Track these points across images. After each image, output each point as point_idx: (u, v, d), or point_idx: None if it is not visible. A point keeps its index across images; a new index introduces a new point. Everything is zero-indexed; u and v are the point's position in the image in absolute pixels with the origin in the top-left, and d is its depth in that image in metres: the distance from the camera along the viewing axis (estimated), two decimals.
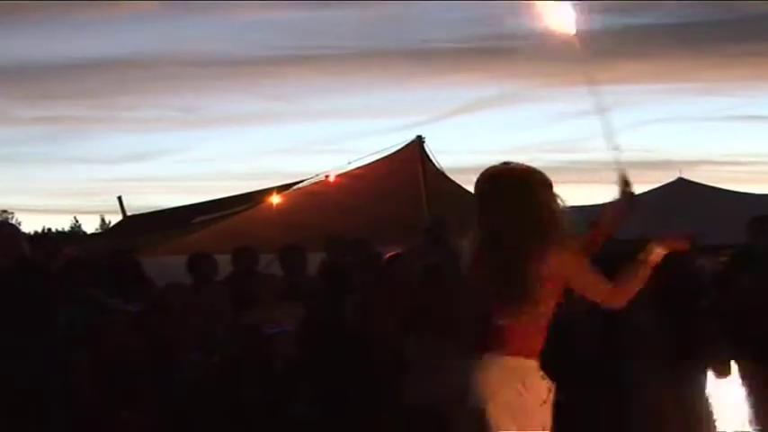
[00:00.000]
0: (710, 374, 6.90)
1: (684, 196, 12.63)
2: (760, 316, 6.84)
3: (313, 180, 11.17)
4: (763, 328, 6.77)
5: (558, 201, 3.91)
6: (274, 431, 6.16)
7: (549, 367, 3.90)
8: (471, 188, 4.03)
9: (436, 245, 8.57)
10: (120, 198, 12.09)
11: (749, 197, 12.75)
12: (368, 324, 6.87)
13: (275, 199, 10.89)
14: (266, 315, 6.80)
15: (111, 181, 72.99)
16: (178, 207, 12.85)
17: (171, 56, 60.93)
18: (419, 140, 11.17)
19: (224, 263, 8.07)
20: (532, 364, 3.83)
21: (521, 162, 3.97)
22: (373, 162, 11.05)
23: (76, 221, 68.51)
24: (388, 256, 7.79)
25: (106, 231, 23.65)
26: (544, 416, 3.83)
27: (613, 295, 3.97)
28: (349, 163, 11.09)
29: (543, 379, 3.85)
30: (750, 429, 6.69)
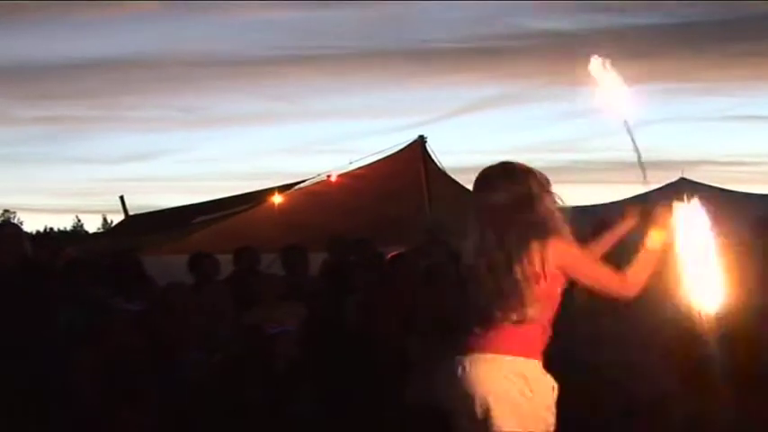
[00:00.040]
0: None
1: (686, 196, 12.60)
2: None
3: (315, 180, 11.18)
4: None
5: (556, 199, 3.90)
6: (276, 431, 6.16)
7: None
8: None
9: (438, 245, 8.57)
10: (122, 198, 12.11)
11: (752, 197, 12.74)
12: (370, 324, 6.87)
13: (277, 199, 10.90)
14: (268, 315, 6.80)
15: (113, 181, 73.17)
16: (180, 207, 12.85)
17: (172, 56, 61.06)
18: (421, 140, 11.18)
19: (225, 262, 8.08)
20: (535, 363, 3.82)
21: (519, 161, 3.96)
22: (375, 162, 11.06)
23: (78, 221, 68.61)
24: (390, 255, 7.78)
25: (108, 231, 23.66)
26: (548, 416, 3.82)
27: (625, 284, 3.92)
28: (351, 163, 11.11)
29: (546, 377, 3.84)
30: None
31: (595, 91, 4.14)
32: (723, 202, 12.47)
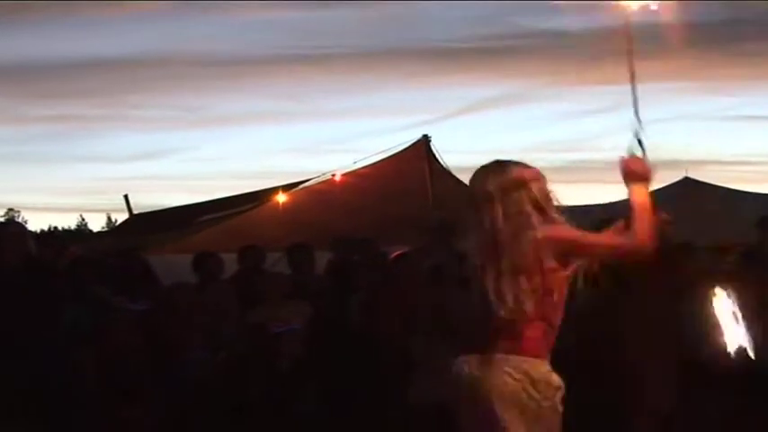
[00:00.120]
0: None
1: (691, 195, 12.60)
2: None
3: (319, 179, 11.17)
4: None
5: (551, 194, 3.89)
6: (280, 430, 6.16)
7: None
8: None
9: (442, 244, 8.57)
10: (126, 196, 12.08)
11: (757, 197, 12.72)
12: (374, 323, 6.87)
13: (281, 198, 10.89)
14: (272, 314, 6.81)
15: (118, 179, 73.30)
16: (184, 206, 12.85)
17: (178, 55, 61.19)
18: (425, 139, 11.16)
19: (230, 261, 8.08)
20: (540, 363, 3.81)
21: (518, 160, 3.96)
22: (379, 161, 11.04)
23: (83, 220, 68.68)
24: (394, 255, 7.78)
25: (112, 230, 23.66)
26: (553, 417, 3.81)
27: (634, 238, 3.82)
28: (355, 162, 11.09)
29: (552, 377, 3.83)
30: None
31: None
32: (727, 202, 12.53)
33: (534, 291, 3.73)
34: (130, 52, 71.81)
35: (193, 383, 6.21)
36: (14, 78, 75.59)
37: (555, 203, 3.87)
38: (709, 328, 5.61)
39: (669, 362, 6.62)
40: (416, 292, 7.11)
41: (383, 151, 11.08)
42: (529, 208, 3.77)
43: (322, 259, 8.56)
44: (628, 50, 4.03)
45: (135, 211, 12.20)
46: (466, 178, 4.11)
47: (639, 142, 4.01)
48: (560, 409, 3.81)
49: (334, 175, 11.03)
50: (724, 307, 4.76)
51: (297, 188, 11.16)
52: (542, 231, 3.74)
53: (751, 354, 4.94)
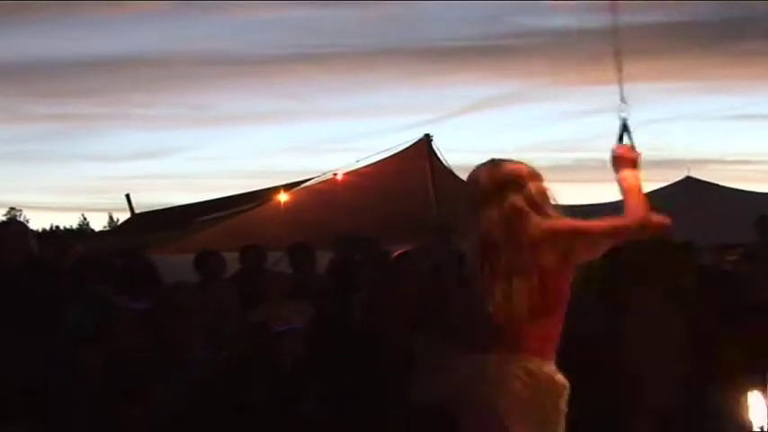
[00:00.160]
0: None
1: (693, 195, 12.60)
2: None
3: (321, 178, 11.17)
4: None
5: (548, 193, 3.89)
6: (282, 429, 6.16)
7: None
8: None
9: (444, 243, 8.57)
10: (128, 195, 12.08)
11: (758, 196, 12.72)
12: (376, 323, 6.87)
13: (283, 197, 10.89)
14: (274, 313, 6.81)
15: (120, 179, 73.42)
16: (186, 205, 12.85)
17: (181, 54, 61.25)
18: (427, 139, 11.15)
19: (231, 260, 8.08)
20: (545, 362, 3.79)
21: (513, 159, 3.95)
22: (381, 160, 11.03)
23: (84, 219, 68.78)
24: (396, 254, 7.78)
25: (114, 229, 23.67)
26: (558, 417, 3.80)
27: (627, 215, 3.79)
28: (357, 161, 11.08)
29: (557, 377, 3.81)
30: None
31: None
32: (729, 201, 12.53)
33: (532, 290, 3.72)
34: (131, 52, 71.92)
35: (195, 382, 6.21)
36: (15, 78, 75.68)
37: (552, 202, 3.87)
38: None
39: (669, 362, 6.63)
40: (418, 291, 7.10)
41: (385, 150, 11.08)
42: (525, 207, 3.77)
43: (323, 258, 8.56)
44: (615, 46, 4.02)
45: (137, 211, 12.20)
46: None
47: (626, 128, 4.03)
48: (565, 409, 3.80)
49: (335, 175, 11.02)
50: None
51: (298, 187, 11.16)
52: (541, 226, 3.73)
53: None
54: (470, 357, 3.84)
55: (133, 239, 9.75)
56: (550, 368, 3.78)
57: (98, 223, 67.32)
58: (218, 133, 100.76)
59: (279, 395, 6.27)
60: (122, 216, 14.33)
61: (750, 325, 6.86)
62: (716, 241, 10.18)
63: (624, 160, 3.93)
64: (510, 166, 3.87)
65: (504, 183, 3.80)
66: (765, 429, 5.07)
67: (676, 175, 13.55)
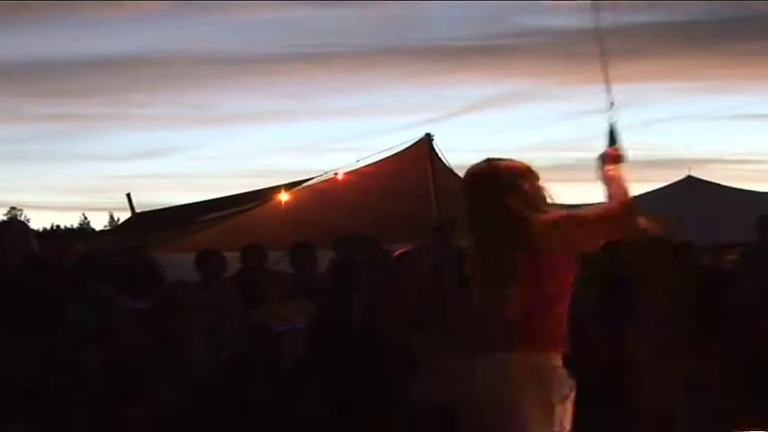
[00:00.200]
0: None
1: (693, 194, 12.61)
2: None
3: (322, 178, 11.16)
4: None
5: (545, 193, 3.89)
6: (283, 429, 6.16)
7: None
8: None
9: (445, 243, 8.57)
10: (128, 195, 12.09)
11: (759, 195, 12.72)
12: (377, 322, 6.87)
13: (284, 196, 10.88)
14: (275, 312, 6.81)
15: (120, 178, 73.40)
16: (187, 204, 12.85)
17: (181, 54, 61.27)
18: (428, 138, 11.15)
19: (232, 260, 8.08)
20: (550, 360, 3.79)
21: (509, 159, 3.95)
22: (382, 160, 11.03)
23: (85, 218, 68.82)
24: (397, 253, 7.79)
25: (115, 228, 23.67)
26: (565, 416, 3.80)
27: (613, 202, 3.86)
28: (357, 161, 11.08)
29: (563, 376, 3.81)
30: None
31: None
32: (730, 200, 12.53)
33: (530, 287, 3.72)
34: (132, 51, 71.96)
35: (196, 382, 6.21)
36: (16, 78, 75.70)
37: (548, 200, 3.88)
38: None
39: (670, 362, 6.63)
40: (419, 291, 7.10)
41: (385, 150, 11.08)
42: (521, 207, 3.77)
43: (324, 258, 8.56)
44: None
45: (137, 210, 12.20)
46: None
47: (613, 133, 4.04)
48: (570, 408, 3.80)
49: (336, 174, 11.01)
50: None
51: (299, 187, 11.15)
52: (541, 219, 3.74)
53: None
54: (475, 357, 3.83)
55: (134, 239, 9.74)
56: (557, 363, 3.79)
57: (99, 223, 67.36)
58: (218, 133, 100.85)
59: (280, 395, 6.28)
60: (123, 215, 14.34)
61: (750, 325, 6.86)
62: (716, 241, 10.18)
63: (611, 158, 3.95)
64: (505, 165, 3.87)
65: (499, 185, 3.81)
66: None
67: (677, 175, 13.57)
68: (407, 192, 11.14)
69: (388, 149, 11.06)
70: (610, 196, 3.87)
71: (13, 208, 52.67)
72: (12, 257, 6.25)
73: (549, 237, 3.72)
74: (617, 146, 4.02)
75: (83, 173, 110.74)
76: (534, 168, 3.92)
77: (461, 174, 4.13)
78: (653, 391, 6.56)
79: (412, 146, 11.12)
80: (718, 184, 13.50)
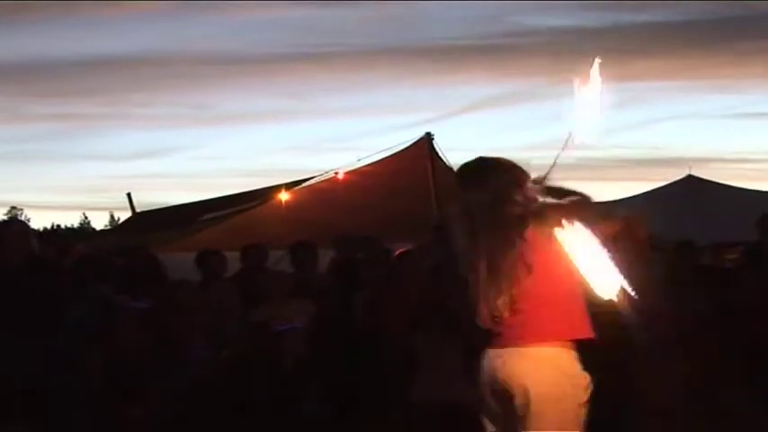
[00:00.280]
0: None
1: (694, 193, 12.60)
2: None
3: (322, 177, 11.16)
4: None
5: (536, 193, 3.89)
6: (283, 428, 6.16)
7: None
8: None
9: (445, 242, 8.55)
10: (129, 195, 12.09)
11: (759, 194, 12.71)
12: (378, 321, 6.87)
13: (284, 196, 10.88)
14: (275, 312, 6.81)
15: (121, 178, 73.40)
16: (187, 204, 12.85)
17: (182, 54, 61.28)
18: (428, 137, 11.14)
19: (233, 259, 8.08)
20: (558, 351, 3.79)
21: (499, 158, 3.95)
22: (382, 159, 11.03)
23: (85, 218, 68.89)
24: (397, 252, 7.78)
25: (115, 228, 23.69)
26: (581, 413, 3.80)
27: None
28: (358, 160, 11.07)
29: (582, 373, 3.82)
30: None
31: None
32: (730, 200, 12.52)
33: (525, 281, 3.72)
34: (132, 51, 72.03)
35: (196, 382, 6.21)
36: (16, 77, 75.75)
37: (540, 198, 3.88)
38: None
39: (670, 362, 6.62)
40: (420, 290, 7.10)
41: (386, 149, 11.07)
42: (513, 205, 3.77)
43: (325, 257, 8.56)
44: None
45: (138, 209, 12.21)
46: None
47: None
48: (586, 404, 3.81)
49: (336, 174, 11.01)
50: None
51: (300, 186, 11.15)
52: (532, 216, 3.75)
53: None
54: (490, 352, 3.82)
55: (134, 239, 9.74)
56: (573, 360, 3.81)
57: (99, 222, 67.43)
58: (218, 132, 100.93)
59: (280, 394, 6.28)
60: (123, 215, 14.35)
61: (751, 324, 6.86)
62: (716, 240, 10.18)
63: None
64: (496, 170, 3.87)
65: (492, 180, 3.81)
66: None
67: (677, 174, 13.56)
68: (408, 191, 11.13)
69: (389, 149, 11.07)
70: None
71: (13, 207, 52.82)
72: (12, 257, 6.24)
73: (542, 232, 3.74)
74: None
75: (83, 172, 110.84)
76: (525, 166, 3.92)
77: None
78: (653, 391, 6.55)
79: (412, 145, 11.12)
80: (719, 183, 13.50)
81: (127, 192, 12.12)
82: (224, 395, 6.17)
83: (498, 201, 3.77)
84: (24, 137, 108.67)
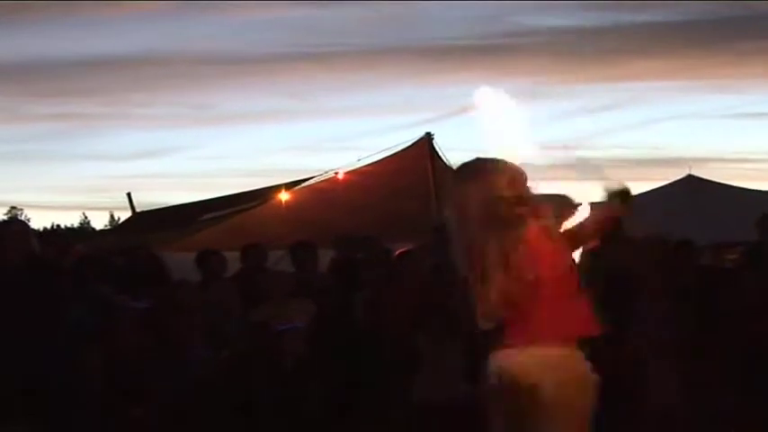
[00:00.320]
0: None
1: (694, 193, 12.59)
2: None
3: (322, 177, 11.17)
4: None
5: (530, 194, 3.89)
6: (283, 428, 6.16)
7: None
8: None
9: (445, 242, 8.55)
10: (129, 194, 12.09)
11: (759, 194, 12.71)
12: (378, 321, 6.87)
13: (284, 196, 10.88)
14: (275, 312, 6.80)
15: (121, 177, 73.28)
16: (187, 204, 12.84)
17: (182, 54, 61.20)
18: (428, 137, 11.15)
19: (233, 259, 8.07)
20: (565, 351, 3.79)
21: (495, 159, 3.95)
22: (382, 159, 11.03)
23: (85, 218, 68.86)
24: (398, 252, 7.78)
25: (115, 228, 23.68)
26: (586, 411, 3.80)
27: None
28: (358, 160, 11.08)
29: (587, 372, 3.81)
30: None
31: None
32: (730, 199, 12.52)
33: (526, 281, 3.72)
34: (132, 51, 71.99)
35: (196, 382, 6.21)
36: (16, 78, 75.67)
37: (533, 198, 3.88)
38: None
39: (670, 361, 6.62)
40: (420, 290, 7.10)
41: (386, 149, 11.08)
42: (509, 209, 3.77)
43: (325, 257, 8.56)
44: None
45: (137, 209, 12.20)
46: None
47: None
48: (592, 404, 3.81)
49: (336, 173, 11.02)
50: None
51: (300, 186, 11.15)
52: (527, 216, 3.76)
53: None
54: (501, 353, 3.82)
55: (134, 238, 9.74)
56: (578, 359, 3.81)
57: (99, 222, 67.34)
58: (219, 132, 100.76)
59: (280, 394, 6.27)
60: (123, 215, 14.34)
61: (750, 325, 6.86)
62: (716, 240, 10.17)
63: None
64: (488, 174, 3.86)
65: (483, 196, 3.80)
66: None
67: (677, 174, 13.55)
68: (408, 191, 11.13)
69: (389, 149, 11.07)
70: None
71: (13, 207, 52.72)
72: (12, 257, 6.24)
73: (542, 231, 3.74)
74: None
75: (83, 172, 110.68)
76: (522, 168, 3.92)
77: None
78: (653, 391, 6.55)
79: (412, 145, 11.12)
80: (719, 183, 13.48)
81: (127, 191, 12.12)
82: (224, 395, 6.17)
83: (494, 202, 3.77)
84: (24, 137, 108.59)
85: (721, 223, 10.93)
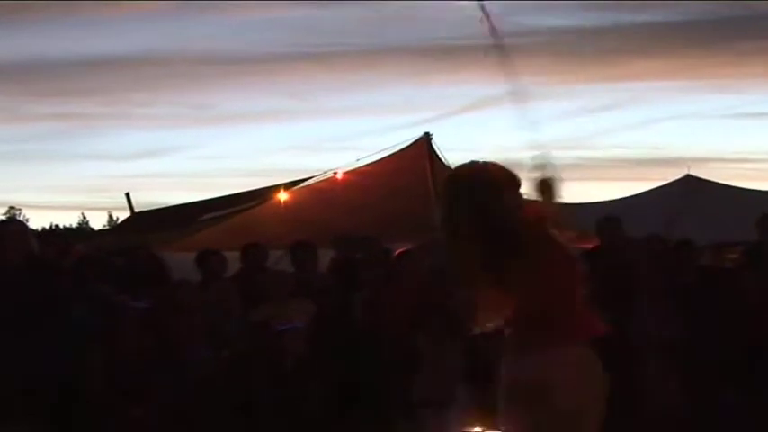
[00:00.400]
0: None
1: (693, 193, 12.59)
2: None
3: (321, 177, 11.17)
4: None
5: (521, 200, 3.89)
6: (283, 428, 6.16)
7: None
8: None
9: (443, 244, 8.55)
10: (127, 194, 12.08)
11: (759, 194, 12.70)
12: (377, 321, 6.87)
13: (284, 196, 10.88)
14: (275, 312, 6.80)
15: (120, 177, 73.20)
16: (186, 204, 12.84)
17: (182, 54, 61.16)
18: (427, 137, 11.15)
19: (233, 259, 8.07)
20: (580, 351, 3.79)
21: (492, 163, 3.94)
22: (381, 159, 11.03)
23: (84, 218, 68.77)
24: (397, 252, 7.78)
25: (114, 228, 23.66)
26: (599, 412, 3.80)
27: None
28: (357, 160, 11.08)
29: (598, 366, 3.82)
30: None
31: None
32: (729, 199, 12.52)
33: (527, 286, 3.72)
34: (132, 51, 72.02)
35: (196, 382, 6.20)
36: (16, 78, 75.71)
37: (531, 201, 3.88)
38: None
39: (671, 359, 6.63)
40: (420, 290, 7.10)
41: (385, 149, 11.08)
42: (500, 215, 3.77)
43: (325, 257, 8.56)
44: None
45: (136, 209, 12.20)
46: None
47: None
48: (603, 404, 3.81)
49: (336, 173, 11.02)
50: None
51: (299, 186, 11.15)
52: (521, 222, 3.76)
53: None
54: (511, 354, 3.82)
55: (133, 238, 9.73)
56: (589, 357, 3.80)
57: (98, 222, 67.33)
58: (218, 132, 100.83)
59: (280, 394, 6.27)
60: (122, 215, 14.33)
61: (750, 325, 6.86)
62: (716, 240, 10.17)
63: None
64: (484, 181, 3.85)
65: (477, 200, 3.80)
66: None
67: (676, 174, 13.55)
68: (407, 191, 11.13)
69: (388, 149, 11.08)
70: None
71: (12, 207, 52.66)
72: (12, 257, 6.24)
73: (540, 234, 3.75)
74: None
75: (83, 172, 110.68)
76: (519, 169, 3.92)
77: None
78: (653, 391, 6.56)
79: (411, 145, 11.13)
80: (718, 183, 13.48)
81: (126, 191, 12.12)
82: (224, 395, 6.17)
83: (484, 214, 3.76)
84: (24, 137, 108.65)
85: (721, 223, 10.93)
